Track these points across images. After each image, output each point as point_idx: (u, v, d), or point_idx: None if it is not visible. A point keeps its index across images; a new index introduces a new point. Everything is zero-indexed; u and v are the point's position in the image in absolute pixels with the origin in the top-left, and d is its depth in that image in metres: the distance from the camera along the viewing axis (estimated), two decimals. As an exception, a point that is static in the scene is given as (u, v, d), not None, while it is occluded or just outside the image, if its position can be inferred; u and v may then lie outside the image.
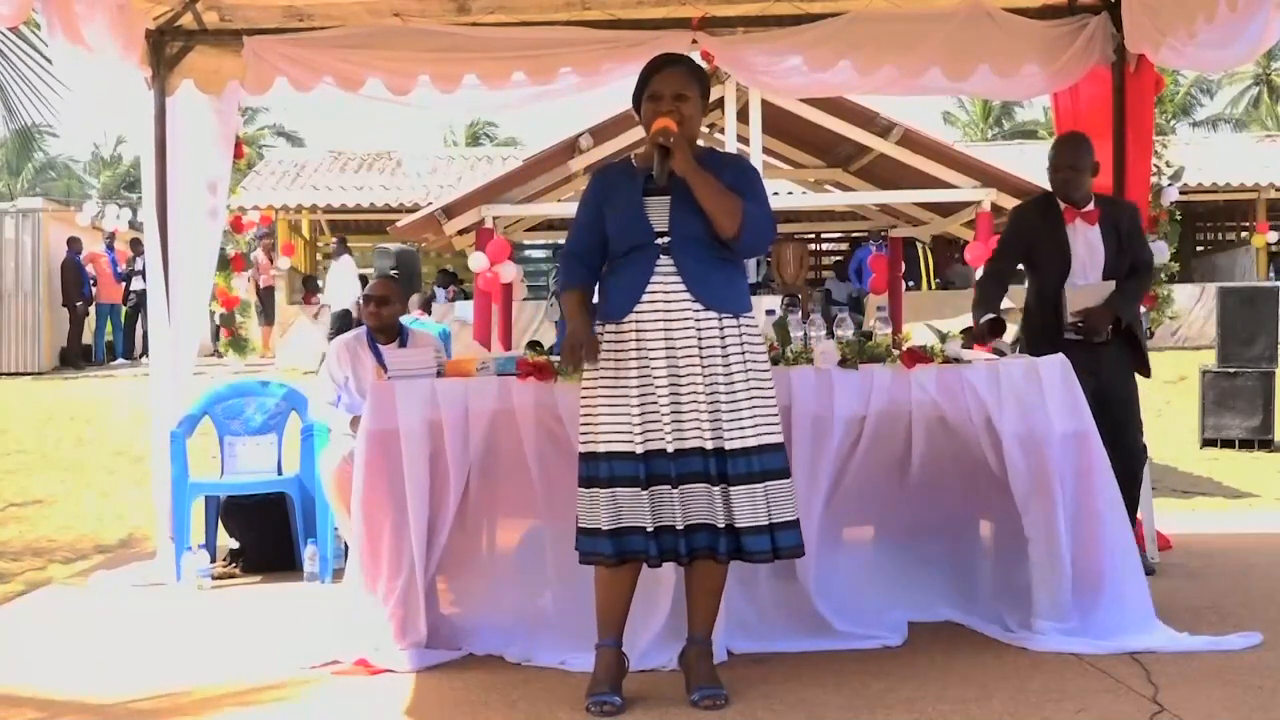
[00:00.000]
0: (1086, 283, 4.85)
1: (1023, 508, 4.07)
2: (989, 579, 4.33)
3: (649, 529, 3.40)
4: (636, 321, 3.46)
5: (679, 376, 3.42)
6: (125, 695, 3.69)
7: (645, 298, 3.46)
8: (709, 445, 3.40)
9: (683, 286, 3.46)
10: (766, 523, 3.41)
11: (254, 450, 5.87)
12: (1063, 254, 4.85)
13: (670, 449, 3.40)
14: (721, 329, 3.47)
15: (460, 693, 3.65)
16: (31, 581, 5.77)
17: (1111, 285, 4.83)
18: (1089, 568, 4.05)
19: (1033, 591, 4.04)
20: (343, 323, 15.30)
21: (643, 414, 3.42)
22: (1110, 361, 4.83)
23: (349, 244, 17.89)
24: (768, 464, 3.44)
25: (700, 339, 3.44)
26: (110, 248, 18.39)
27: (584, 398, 3.55)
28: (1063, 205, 4.89)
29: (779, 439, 3.50)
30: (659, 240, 3.48)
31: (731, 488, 3.40)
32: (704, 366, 3.43)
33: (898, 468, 4.22)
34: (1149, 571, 4.68)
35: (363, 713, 3.54)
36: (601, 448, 3.44)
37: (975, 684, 3.57)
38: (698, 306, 3.46)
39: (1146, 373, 5.00)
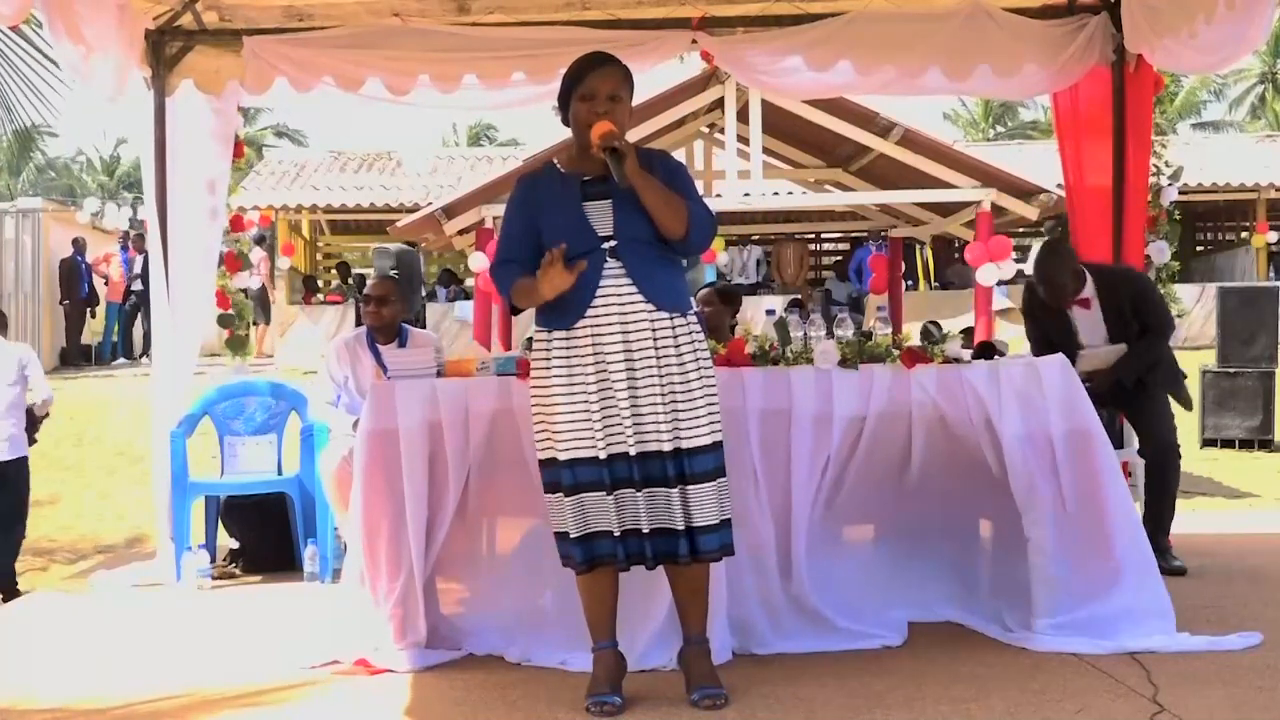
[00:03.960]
0: (1094, 348, 5.23)
1: (1023, 508, 4.07)
2: (989, 579, 4.33)
3: (615, 533, 3.40)
4: (592, 326, 3.43)
5: (636, 378, 3.41)
6: (126, 696, 3.68)
7: (597, 301, 3.42)
8: (667, 447, 3.39)
9: (634, 288, 3.44)
10: (718, 520, 3.42)
11: (254, 450, 5.87)
12: (1070, 334, 5.26)
13: (633, 451, 3.39)
14: (674, 328, 3.46)
15: (460, 693, 3.64)
16: (32, 582, 5.77)
17: (1122, 348, 5.19)
18: (1090, 567, 4.05)
19: (1033, 591, 4.03)
20: None
21: (604, 418, 3.40)
22: (1135, 395, 5.28)
23: (349, 244, 17.80)
24: (719, 461, 3.45)
25: (656, 339, 3.43)
26: (125, 247, 18.40)
27: (538, 404, 3.51)
28: None
29: (721, 437, 3.51)
30: (605, 244, 3.46)
31: (690, 487, 3.39)
32: (660, 367, 3.42)
33: (898, 467, 4.22)
34: (1181, 571, 4.99)
35: (363, 713, 3.53)
36: (563, 455, 3.43)
37: (975, 684, 3.57)
38: (650, 307, 3.44)
39: (1185, 405, 5.56)
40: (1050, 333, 5.28)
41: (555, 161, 3.63)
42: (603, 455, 3.39)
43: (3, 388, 5.90)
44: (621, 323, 3.42)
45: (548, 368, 3.48)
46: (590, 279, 3.43)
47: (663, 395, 3.41)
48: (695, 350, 3.48)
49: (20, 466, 6.01)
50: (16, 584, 5.90)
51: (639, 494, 3.39)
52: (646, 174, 3.44)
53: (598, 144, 3.41)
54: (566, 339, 3.45)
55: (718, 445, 3.45)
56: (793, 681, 3.64)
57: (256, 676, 3.85)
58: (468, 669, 3.89)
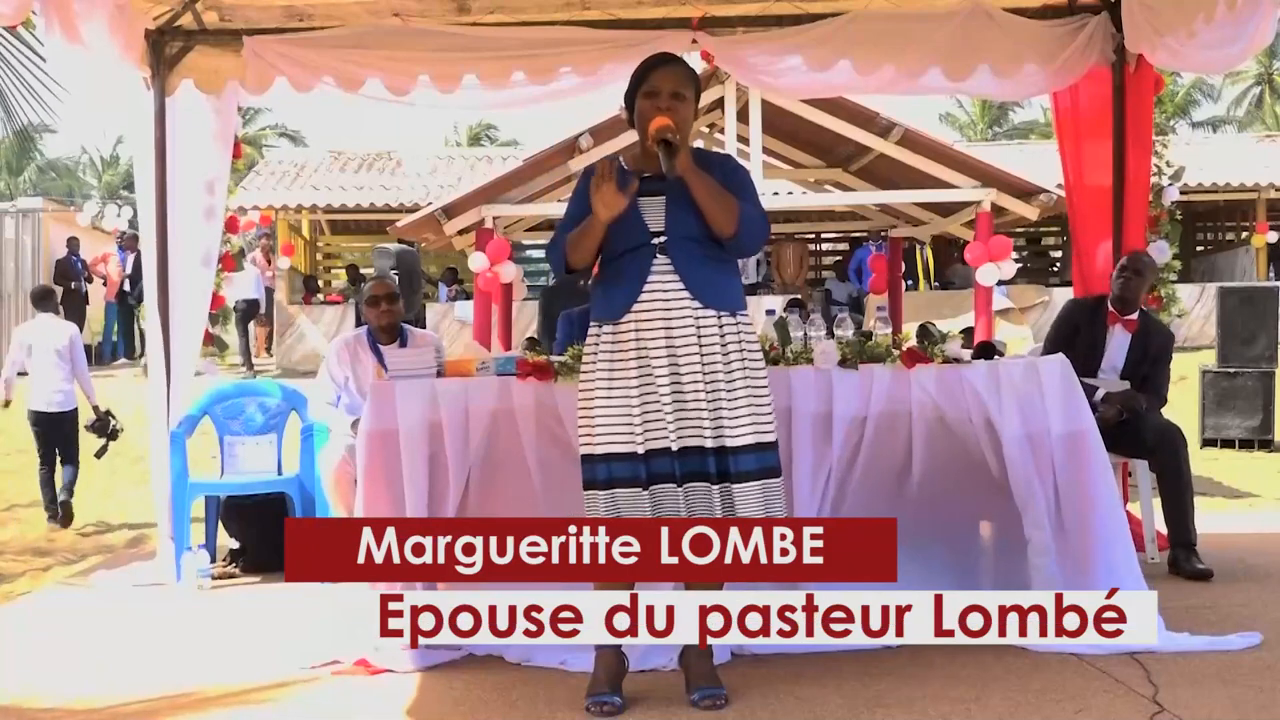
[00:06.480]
0: (1106, 378, 5.33)
1: (1023, 508, 4.07)
2: (989, 579, 4.33)
3: None
4: (635, 321, 3.45)
5: (680, 374, 3.42)
6: (125, 696, 3.69)
7: (643, 297, 3.44)
8: (709, 444, 3.40)
9: (681, 285, 3.45)
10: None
11: (254, 450, 5.87)
12: (1096, 349, 5.37)
13: (675, 448, 3.39)
14: (720, 327, 3.47)
15: (460, 693, 3.65)
16: (32, 582, 5.78)
17: (1126, 384, 5.31)
18: (1089, 567, 4.05)
19: (1033, 591, 4.02)
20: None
21: (644, 413, 3.41)
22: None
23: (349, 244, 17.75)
24: (765, 462, 3.44)
25: (700, 337, 3.44)
26: (122, 248, 18.37)
27: (581, 399, 3.54)
28: (1110, 309, 5.41)
29: (775, 437, 3.50)
30: (655, 240, 3.47)
31: (735, 485, 3.40)
32: (704, 364, 3.43)
33: (898, 468, 4.22)
34: (1206, 575, 4.94)
35: (363, 713, 3.54)
36: (599, 449, 3.43)
37: (975, 684, 3.57)
38: (696, 305, 3.45)
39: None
40: (1076, 347, 5.15)
41: (621, 159, 3.64)
42: (641, 450, 3.39)
43: (53, 351, 7.07)
44: (665, 318, 3.43)
45: (594, 362, 3.50)
46: (637, 275, 3.45)
47: (707, 393, 3.41)
48: (742, 350, 3.48)
49: (72, 418, 7.35)
50: (71, 509, 7.25)
51: (679, 489, 3.39)
52: (699, 170, 3.45)
53: (652, 135, 3.43)
54: (613, 333, 3.47)
55: (764, 446, 3.44)
56: (793, 681, 3.64)
57: (256, 676, 3.85)
58: (468, 669, 3.89)
